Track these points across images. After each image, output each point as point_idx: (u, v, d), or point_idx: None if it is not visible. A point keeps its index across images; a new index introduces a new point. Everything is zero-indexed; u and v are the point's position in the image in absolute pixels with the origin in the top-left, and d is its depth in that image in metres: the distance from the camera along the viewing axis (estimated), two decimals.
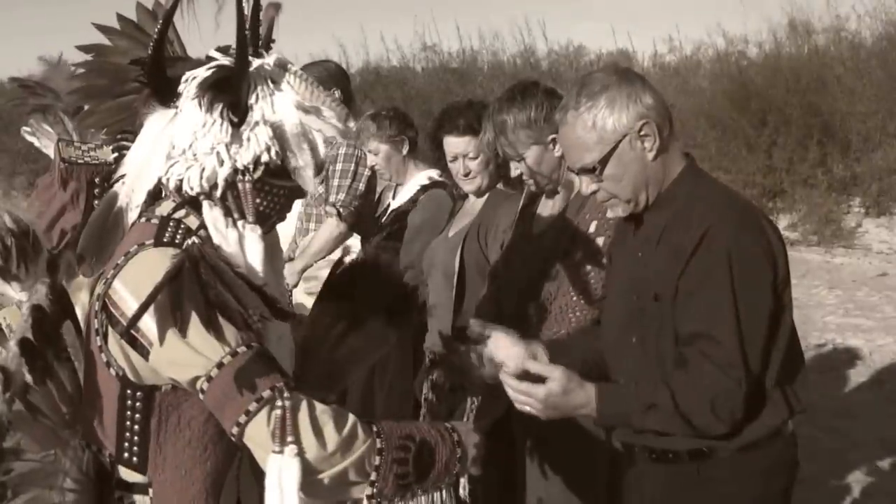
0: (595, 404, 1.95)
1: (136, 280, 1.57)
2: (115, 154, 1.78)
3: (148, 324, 1.53)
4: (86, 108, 1.77)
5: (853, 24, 10.78)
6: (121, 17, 1.74)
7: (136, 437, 1.65)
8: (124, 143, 1.75)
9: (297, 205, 4.27)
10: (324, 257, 4.06)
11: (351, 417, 1.60)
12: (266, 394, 1.54)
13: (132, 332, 1.55)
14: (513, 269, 2.78)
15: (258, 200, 1.67)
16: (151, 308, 1.49)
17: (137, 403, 1.64)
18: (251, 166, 1.63)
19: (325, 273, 3.89)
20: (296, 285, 4.11)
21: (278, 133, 1.62)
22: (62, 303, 1.76)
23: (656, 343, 2.03)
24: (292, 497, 1.53)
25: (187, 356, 1.54)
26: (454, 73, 12.90)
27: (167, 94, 1.66)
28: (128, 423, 1.64)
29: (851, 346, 6.44)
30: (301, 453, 1.53)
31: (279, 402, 1.54)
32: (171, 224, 1.65)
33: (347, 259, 2.23)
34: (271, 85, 1.64)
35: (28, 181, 12.90)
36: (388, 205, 3.96)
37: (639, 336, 2.09)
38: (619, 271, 2.25)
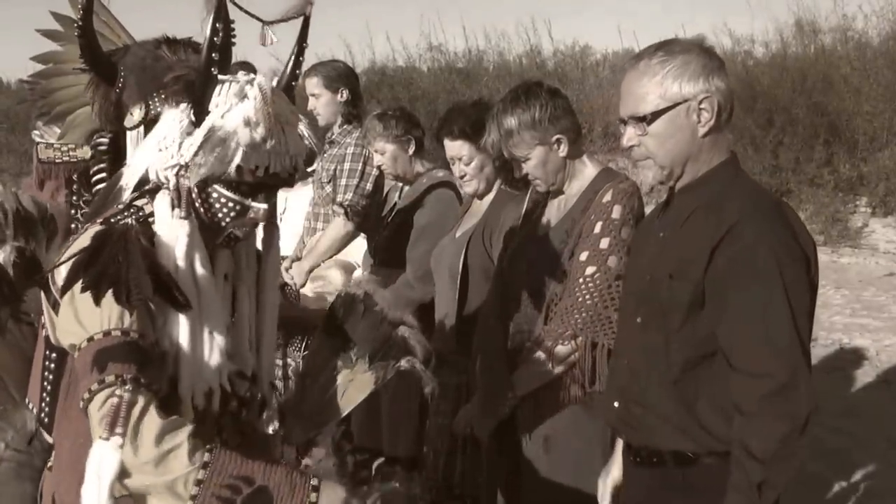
0: None
1: (71, 250, 1.64)
2: (92, 151, 1.83)
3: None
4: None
5: (860, 23, 10.81)
6: (57, 16, 1.80)
7: (48, 398, 1.72)
8: (100, 140, 1.80)
9: (305, 205, 4.32)
10: (331, 257, 4.07)
11: (180, 437, 1.54)
12: (109, 379, 1.54)
13: (55, 294, 1.63)
14: (518, 270, 2.78)
15: (204, 204, 1.70)
16: (66, 272, 1.57)
17: (52, 364, 1.71)
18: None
19: (332, 273, 3.95)
20: (303, 285, 4.12)
21: (208, 136, 1.64)
22: (30, 269, 1.83)
23: (662, 321, 2.01)
24: (105, 489, 1.50)
25: (71, 323, 1.60)
26: (460, 73, 12.91)
27: (109, 76, 1.71)
28: (45, 382, 1.72)
29: (858, 346, 6.44)
30: (121, 448, 1.52)
31: (118, 392, 1.53)
32: (131, 208, 1.72)
33: (350, 287, 2.24)
34: (234, 97, 1.65)
35: None
36: (395, 204, 3.97)
37: (643, 316, 2.08)
38: (637, 257, 2.25)
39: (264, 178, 1.67)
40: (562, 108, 2.72)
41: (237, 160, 1.64)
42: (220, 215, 1.71)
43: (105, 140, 1.77)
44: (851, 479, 4.32)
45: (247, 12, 1.72)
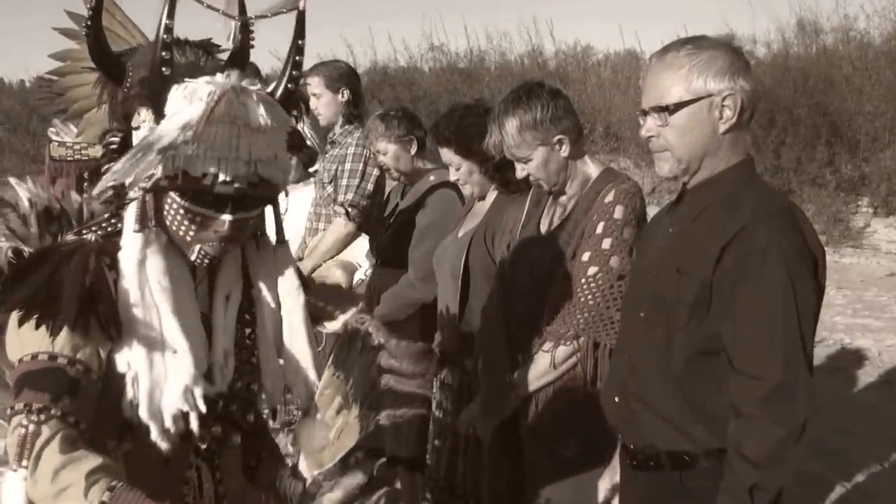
0: None
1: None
2: (103, 150, 1.82)
3: None
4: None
5: (862, 23, 10.83)
6: (72, 15, 1.78)
7: None
8: (111, 139, 1.79)
9: (307, 205, 4.33)
10: (333, 257, 4.08)
11: (77, 475, 1.46)
12: (18, 406, 1.49)
13: None
14: (519, 271, 2.78)
15: (166, 216, 1.61)
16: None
17: None
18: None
19: (334, 273, 3.95)
20: None
21: (139, 142, 1.53)
22: None
23: (667, 317, 2.00)
24: None
25: (12, 338, 1.57)
26: (461, 74, 12.92)
27: (117, 75, 1.67)
28: None
29: (860, 346, 6.45)
30: (25, 480, 1.48)
31: (24, 421, 1.48)
32: (112, 218, 1.67)
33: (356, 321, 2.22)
34: (184, 99, 1.51)
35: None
36: (397, 205, 3.97)
37: (647, 311, 2.07)
38: (644, 252, 2.24)
39: (215, 187, 1.53)
40: (563, 108, 2.72)
41: (158, 168, 1.52)
42: (183, 228, 1.60)
43: (116, 139, 1.76)
44: (853, 480, 4.32)
45: (213, 8, 1.62)
